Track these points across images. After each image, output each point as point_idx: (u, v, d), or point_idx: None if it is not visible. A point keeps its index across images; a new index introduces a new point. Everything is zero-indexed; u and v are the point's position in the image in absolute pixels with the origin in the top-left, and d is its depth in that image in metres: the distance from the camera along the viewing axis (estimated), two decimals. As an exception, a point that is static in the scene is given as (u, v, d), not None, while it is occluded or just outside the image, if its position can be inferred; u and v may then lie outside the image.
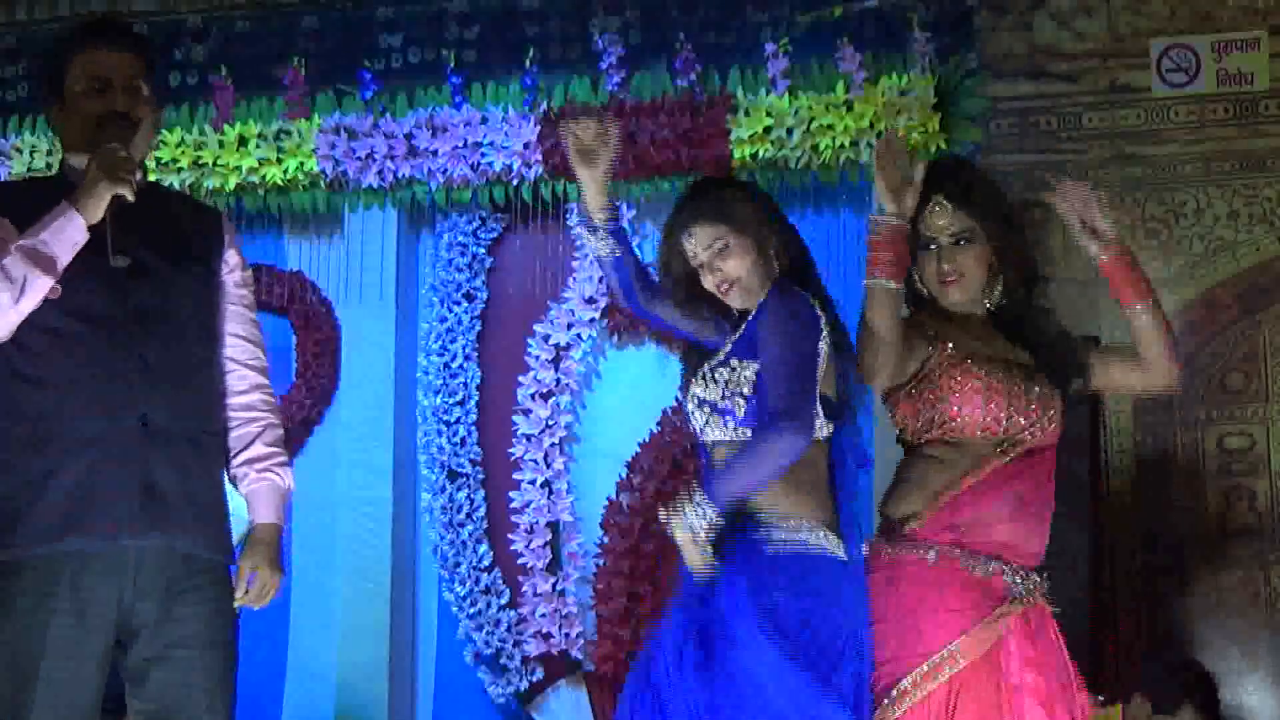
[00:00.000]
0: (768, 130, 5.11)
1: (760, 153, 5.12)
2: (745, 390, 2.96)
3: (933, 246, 3.07)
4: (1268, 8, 4.94)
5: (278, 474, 2.92)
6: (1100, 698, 3.97)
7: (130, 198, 2.68)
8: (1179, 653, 4.63)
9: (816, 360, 2.94)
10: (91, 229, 2.68)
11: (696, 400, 3.05)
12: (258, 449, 2.90)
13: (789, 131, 5.10)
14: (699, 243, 3.05)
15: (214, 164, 5.51)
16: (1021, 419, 3.01)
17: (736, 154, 5.14)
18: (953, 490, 2.99)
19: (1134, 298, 3.01)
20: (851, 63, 5.09)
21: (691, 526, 2.85)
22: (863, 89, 5.07)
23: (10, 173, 5.59)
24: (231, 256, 2.95)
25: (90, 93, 2.81)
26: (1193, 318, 4.84)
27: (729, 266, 3.04)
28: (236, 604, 2.85)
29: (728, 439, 2.99)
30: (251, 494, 2.91)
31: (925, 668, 2.90)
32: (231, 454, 2.91)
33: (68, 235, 2.65)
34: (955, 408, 3.01)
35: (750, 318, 3.04)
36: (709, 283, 3.07)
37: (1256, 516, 4.80)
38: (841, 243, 5.17)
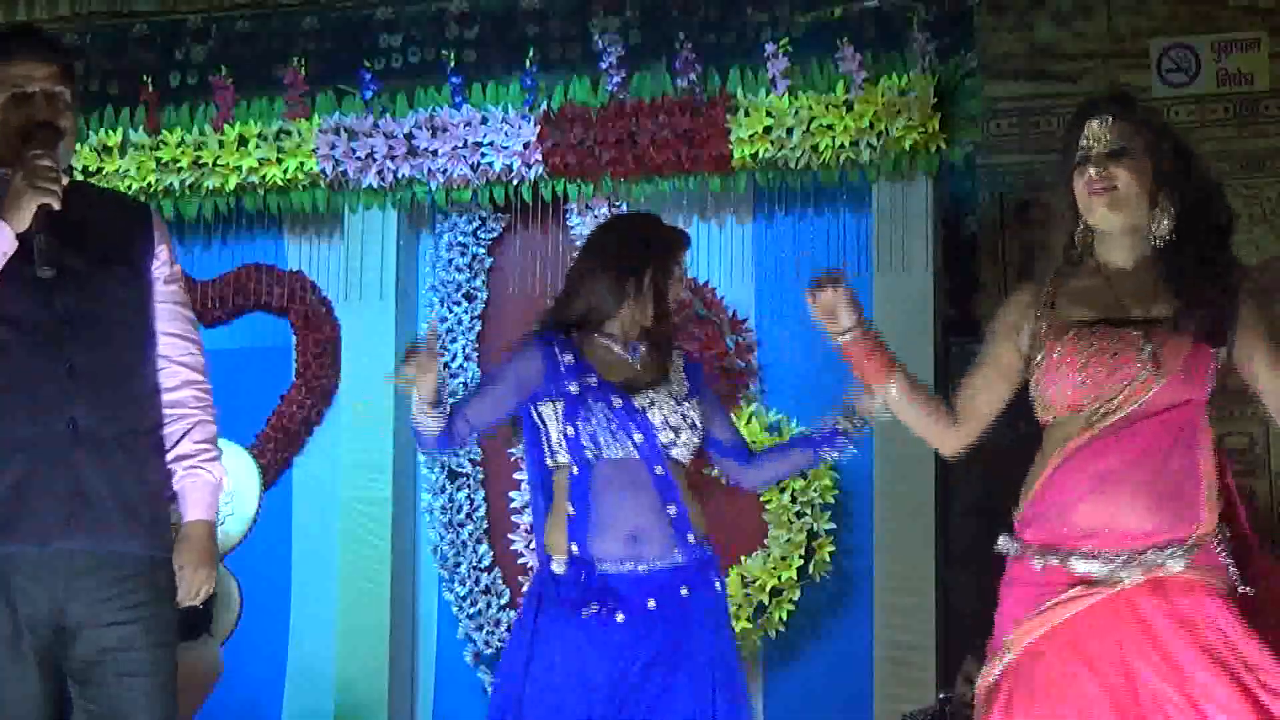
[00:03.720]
0: (768, 130, 5.11)
1: (760, 153, 5.11)
2: None
3: (1088, 158, 2.83)
4: (1268, 8, 4.94)
5: (206, 469, 2.92)
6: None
7: (56, 206, 2.68)
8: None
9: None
10: (19, 236, 2.68)
11: None
12: (185, 446, 2.90)
13: (789, 131, 5.10)
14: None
15: (214, 164, 5.51)
16: (1112, 385, 2.71)
17: (736, 154, 5.14)
18: (1036, 480, 2.79)
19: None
20: (851, 63, 5.10)
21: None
22: (863, 89, 5.07)
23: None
24: (162, 253, 2.93)
25: (12, 102, 2.78)
26: (1193, 318, 4.83)
27: None
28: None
29: None
30: (180, 491, 2.91)
31: (987, 668, 2.78)
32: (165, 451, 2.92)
33: None
34: (1052, 386, 2.77)
35: None
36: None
37: (1256, 516, 4.80)
38: (840, 242, 5.17)
